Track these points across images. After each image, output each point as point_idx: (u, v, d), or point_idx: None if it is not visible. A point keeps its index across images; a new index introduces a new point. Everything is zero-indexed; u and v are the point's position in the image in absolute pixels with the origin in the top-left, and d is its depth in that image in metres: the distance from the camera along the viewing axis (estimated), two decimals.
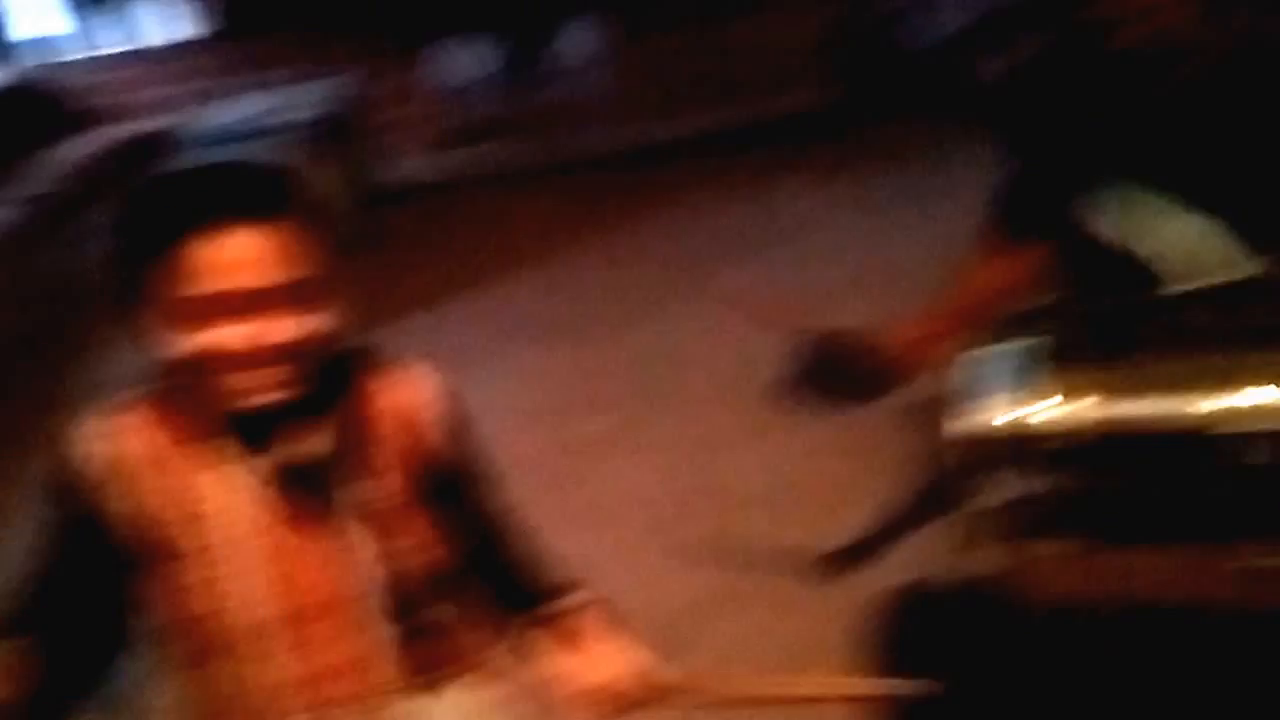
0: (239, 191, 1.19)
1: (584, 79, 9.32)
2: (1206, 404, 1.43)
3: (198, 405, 1.24)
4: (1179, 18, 1.77)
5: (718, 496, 3.66)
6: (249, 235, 1.16)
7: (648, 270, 5.84)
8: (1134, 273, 1.79)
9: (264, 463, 1.25)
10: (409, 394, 1.33)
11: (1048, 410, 1.54)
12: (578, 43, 9.51)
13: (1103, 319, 1.67)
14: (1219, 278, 1.68)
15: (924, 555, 2.95)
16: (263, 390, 1.19)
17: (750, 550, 3.25)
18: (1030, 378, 1.57)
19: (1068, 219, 1.88)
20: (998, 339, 1.65)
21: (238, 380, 1.19)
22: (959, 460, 1.61)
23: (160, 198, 1.23)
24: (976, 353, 1.64)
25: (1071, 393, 1.54)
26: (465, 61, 9.41)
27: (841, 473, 3.59)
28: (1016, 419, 1.55)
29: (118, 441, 1.26)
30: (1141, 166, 1.81)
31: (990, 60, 6.82)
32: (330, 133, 6.86)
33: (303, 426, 1.25)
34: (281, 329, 1.18)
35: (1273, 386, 1.42)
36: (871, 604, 2.84)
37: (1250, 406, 1.42)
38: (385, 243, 6.73)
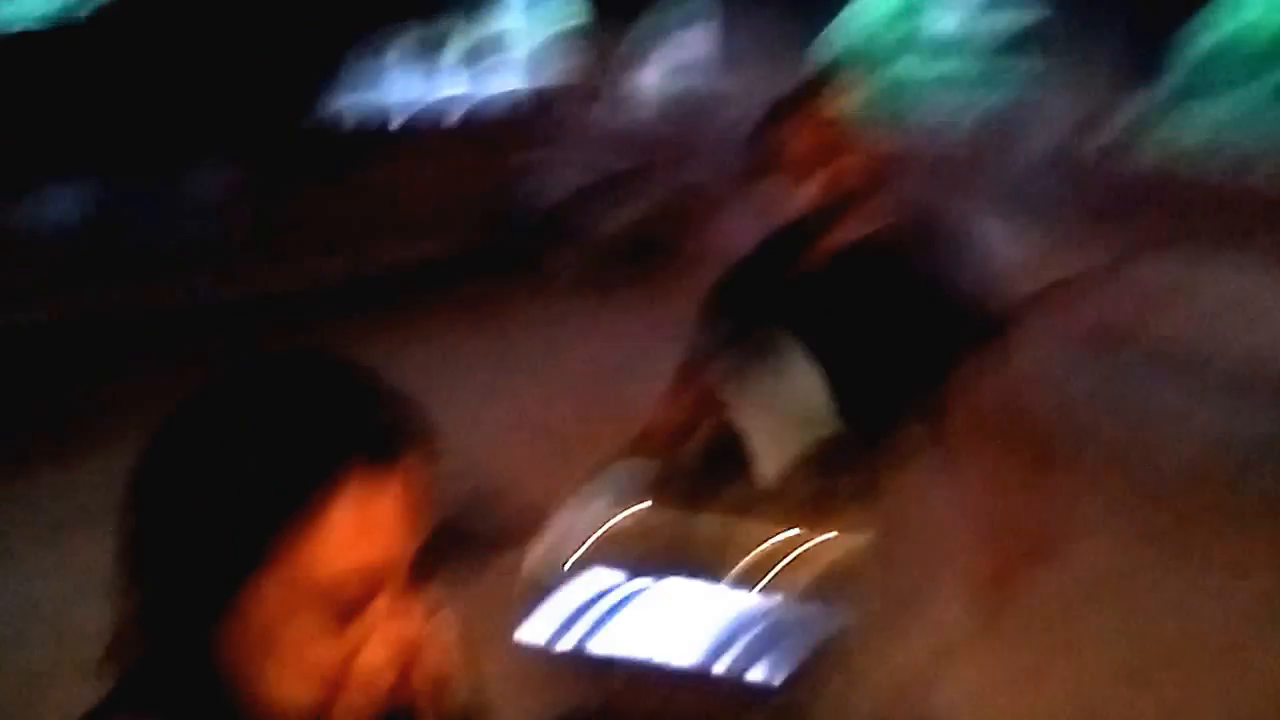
0: None
1: (204, 224, 8.65)
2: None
3: None
4: (855, 175, 2.03)
5: None
6: None
7: None
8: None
9: None
10: None
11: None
12: (203, 185, 8.90)
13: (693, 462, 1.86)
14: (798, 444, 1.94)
15: None
16: None
17: None
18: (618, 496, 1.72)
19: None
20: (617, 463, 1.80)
21: None
22: None
23: None
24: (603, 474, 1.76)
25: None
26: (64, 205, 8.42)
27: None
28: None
29: None
30: (783, 322, 2.09)
31: (608, 217, 8.07)
32: None
33: None
34: None
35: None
36: None
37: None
38: None
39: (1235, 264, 5.12)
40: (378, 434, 0.85)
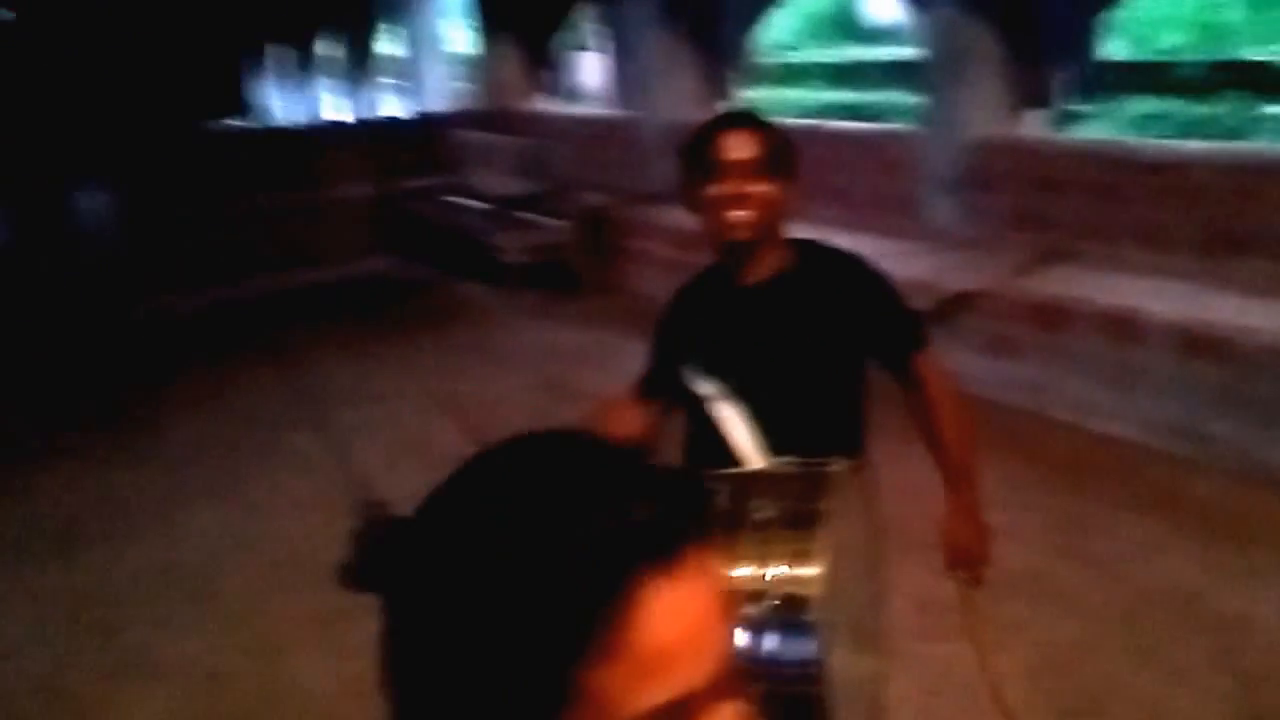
0: None
1: (93, 248, 8.77)
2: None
3: None
4: (770, 211, 2.09)
5: (289, 694, 3.47)
6: None
7: (162, 469, 5.40)
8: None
9: None
10: None
11: None
12: (92, 209, 8.98)
13: None
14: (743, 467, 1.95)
15: None
16: None
17: None
18: None
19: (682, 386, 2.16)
20: None
21: None
22: None
23: None
24: None
25: None
26: None
27: None
28: None
29: None
30: (709, 355, 2.14)
31: (510, 237, 8.17)
32: None
33: None
34: None
35: (753, 566, 1.56)
36: None
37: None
38: None
39: (1140, 263, 5.34)
40: (660, 526, 0.68)
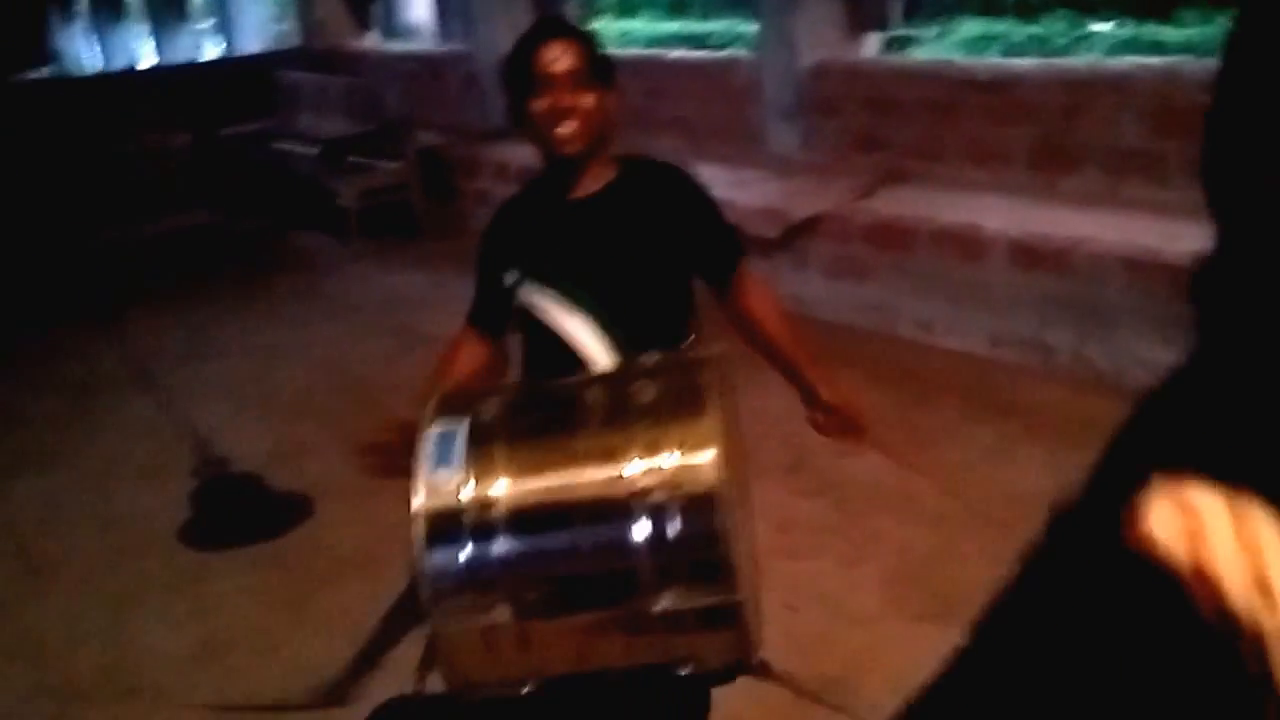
0: None
1: None
2: (590, 475, 1.61)
3: None
4: (597, 121, 2.11)
5: (140, 660, 3.37)
6: None
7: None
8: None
9: None
10: None
11: (464, 490, 1.61)
12: None
13: (518, 395, 1.83)
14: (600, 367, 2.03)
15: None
16: None
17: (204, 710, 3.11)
18: (453, 459, 1.64)
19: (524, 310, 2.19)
20: (433, 422, 1.70)
21: None
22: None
23: None
24: (425, 436, 1.69)
25: (484, 474, 1.62)
26: None
27: (279, 616, 3.51)
28: (435, 501, 1.62)
29: None
30: (543, 269, 2.18)
31: (345, 181, 7.94)
32: None
33: None
34: None
35: (639, 459, 1.58)
36: None
37: (627, 476, 1.58)
38: None
39: (977, 181, 5.43)
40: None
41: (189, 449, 4.59)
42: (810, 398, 2.30)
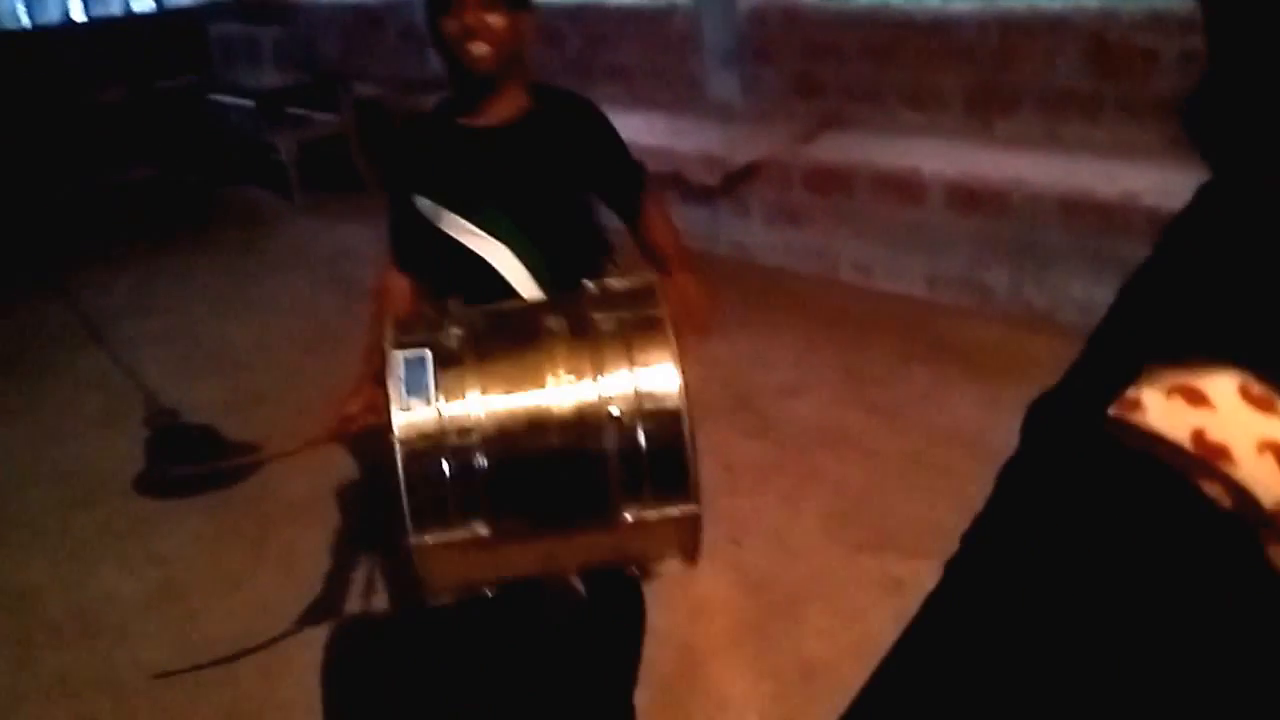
0: None
1: None
2: (561, 395, 1.69)
3: None
4: (508, 42, 2.10)
5: (101, 605, 3.43)
6: None
7: None
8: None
9: None
10: None
11: (441, 412, 1.68)
12: None
13: (476, 319, 1.87)
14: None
15: None
16: None
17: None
18: (425, 383, 1.70)
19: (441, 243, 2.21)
20: (397, 348, 1.76)
21: None
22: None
23: None
24: (392, 361, 1.74)
25: (457, 396, 1.69)
26: None
27: (236, 559, 3.58)
28: (413, 427, 1.67)
29: None
30: (473, 196, 2.19)
31: (282, 135, 7.84)
32: None
33: None
34: None
35: (607, 379, 1.69)
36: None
37: (596, 395, 1.68)
38: None
39: (915, 124, 5.47)
40: None
41: (140, 401, 4.62)
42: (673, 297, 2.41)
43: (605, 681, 2.46)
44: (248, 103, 8.38)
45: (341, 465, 3.86)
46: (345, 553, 3.46)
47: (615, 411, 1.67)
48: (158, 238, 7.27)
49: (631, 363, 1.70)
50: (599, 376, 1.69)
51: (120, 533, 3.76)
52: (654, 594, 2.92)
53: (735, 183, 5.60)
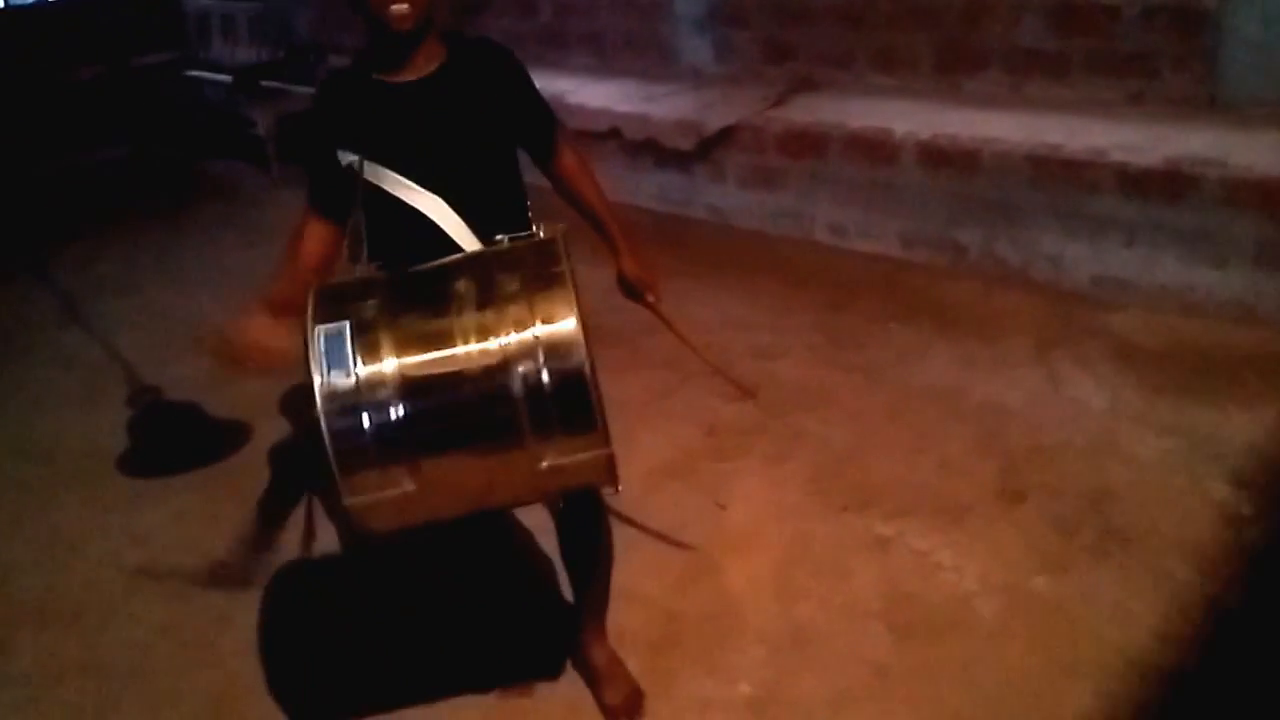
0: None
1: None
2: (470, 349, 1.86)
3: None
4: (430, 4, 2.14)
5: (85, 584, 3.43)
6: None
7: None
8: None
9: None
10: None
11: (353, 380, 1.84)
12: None
13: (391, 289, 2.01)
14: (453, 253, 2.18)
15: None
16: None
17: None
18: (345, 357, 1.85)
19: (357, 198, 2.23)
20: (317, 323, 1.88)
21: None
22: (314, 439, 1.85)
23: None
24: (313, 337, 1.87)
25: (373, 360, 1.85)
26: None
27: (223, 536, 3.55)
28: (336, 400, 1.83)
29: None
30: (389, 151, 2.23)
31: (260, 109, 7.83)
32: None
33: None
34: None
35: (512, 333, 1.85)
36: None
37: (502, 346, 1.85)
38: None
39: (885, 86, 5.53)
40: None
41: (122, 380, 4.65)
42: (618, 260, 2.51)
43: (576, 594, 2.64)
44: (224, 78, 8.38)
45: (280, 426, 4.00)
46: (273, 506, 3.57)
47: (521, 368, 1.83)
48: (137, 214, 7.30)
49: (532, 316, 1.86)
50: (502, 331, 1.85)
51: (104, 511, 3.77)
52: (639, 560, 3.02)
53: (710, 147, 5.67)
